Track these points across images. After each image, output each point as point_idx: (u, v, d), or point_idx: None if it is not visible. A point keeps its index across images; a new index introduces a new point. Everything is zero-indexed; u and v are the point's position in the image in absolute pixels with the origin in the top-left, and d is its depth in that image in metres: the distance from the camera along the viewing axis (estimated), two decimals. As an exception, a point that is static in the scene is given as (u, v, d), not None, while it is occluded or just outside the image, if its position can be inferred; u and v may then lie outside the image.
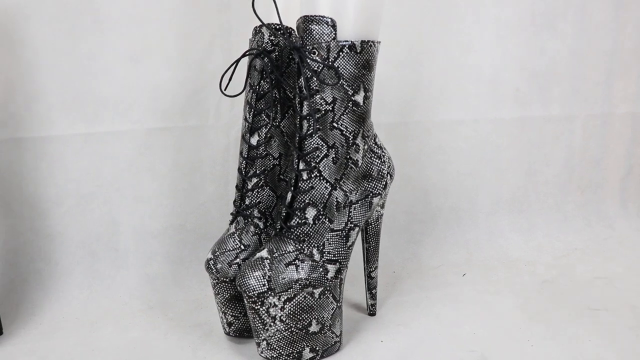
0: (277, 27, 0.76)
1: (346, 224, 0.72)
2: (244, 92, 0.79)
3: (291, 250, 0.70)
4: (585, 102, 1.17)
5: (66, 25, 0.94)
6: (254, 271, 0.69)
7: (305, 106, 0.69)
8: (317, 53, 0.68)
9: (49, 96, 0.95)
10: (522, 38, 1.12)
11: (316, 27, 0.67)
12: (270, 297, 0.68)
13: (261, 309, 0.68)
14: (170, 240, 1.02)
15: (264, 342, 0.70)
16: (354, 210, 0.73)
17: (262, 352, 0.71)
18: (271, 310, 0.68)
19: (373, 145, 0.75)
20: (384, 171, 0.76)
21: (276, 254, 0.70)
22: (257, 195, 0.78)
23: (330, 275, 0.70)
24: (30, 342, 0.81)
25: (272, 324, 0.69)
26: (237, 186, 0.80)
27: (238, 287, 0.69)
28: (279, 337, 0.69)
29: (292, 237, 0.70)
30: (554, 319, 0.82)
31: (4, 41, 0.92)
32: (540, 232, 1.14)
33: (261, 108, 0.77)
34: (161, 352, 0.77)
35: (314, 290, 0.69)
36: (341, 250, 0.71)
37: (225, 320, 0.78)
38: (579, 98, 1.17)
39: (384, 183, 0.76)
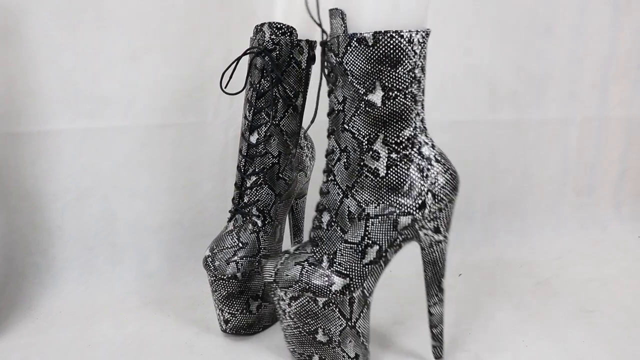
0: (279, 26, 0.76)
1: (362, 239, 0.64)
2: (244, 90, 0.80)
3: (307, 252, 0.68)
4: (582, 105, 1.18)
5: (67, 21, 0.94)
6: (272, 260, 0.69)
7: (328, 104, 0.66)
8: (331, 48, 0.62)
9: (49, 91, 0.95)
10: (520, 41, 1.13)
11: (333, 20, 0.62)
12: (278, 290, 0.67)
13: (274, 298, 0.69)
14: (167, 237, 1.02)
15: (283, 333, 0.71)
16: (372, 225, 0.64)
17: (285, 339, 0.72)
18: (281, 303, 0.68)
19: (415, 154, 0.64)
20: (422, 188, 0.64)
21: (297, 252, 0.69)
22: (255, 193, 0.78)
23: (335, 287, 0.64)
24: (26, 337, 0.81)
25: (284, 316, 0.69)
26: (235, 184, 0.80)
27: (276, 281, 0.68)
28: (290, 333, 0.69)
29: (311, 239, 0.69)
30: (548, 319, 0.83)
31: (5, 35, 0.92)
32: (535, 234, 1.15)
33: (261, 106, 0.77)
34: (157, 348, 0.77)
35: (317, 298, 0.65)
36: (354, 266, 0.64)
37: (222, 318, 0.79)
38: (576, 101, 1.18)
39: (420, 202, 0.64)
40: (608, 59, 1.17)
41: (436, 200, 0.65)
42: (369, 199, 0.64)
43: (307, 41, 0.78)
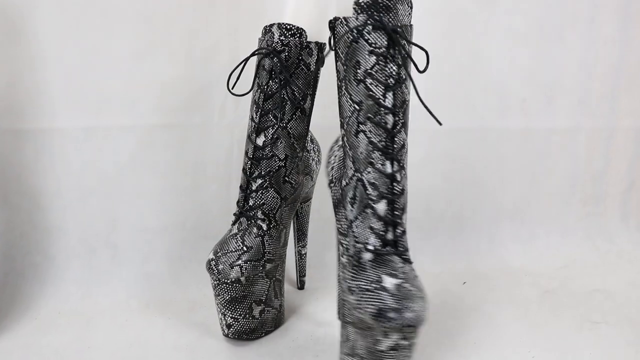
0: (288, 27, 0.75)
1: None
2: (251, 92, 0.79)
3: (402, 265, 0.61)
4: (591, 114, 1.17)
5: (72, 19, 0.93)
6: (414, 300, 0.58)
7: (389, 97, 0.61)
8: (405, 36, 0.59)
9: (53, 88, 0.94)
10: (530, 49, 1.12)
11: (401, 7, 0.59)
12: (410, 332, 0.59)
13: (415, 340, 0.60)
14: (169, 239, 1.01)
15: None
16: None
17: None
18: (402, 346, 0.59)
19: None
20: None
21: (401, 275, 0.60)
22: (261, 197, 0.77)
23: (414, 274, 0.63)
24: (24, 337, 0.80)
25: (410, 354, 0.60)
26: (241, 186, 0.79)
27: (409, 327, 0.57)
28: None
29: (398, 250, 0.61)
30: (555, 330, 0.82)
31: (10, 32, 0.91)
32: (541, 243, 1.14)
33: (268, 108, 0.76)
34: (158, 351, 0.76)
35: None
36: (407, 244, 0.64)
37: (224, 322, 0.77)
38: (585, 110, 1.17)
39: None
40: (618, 68, 1.16)
41: None
42: None
43: (317, 43, 0.77)
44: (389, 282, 0.58)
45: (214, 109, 1.01)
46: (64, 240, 0.97)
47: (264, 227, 0.77)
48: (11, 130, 0.94)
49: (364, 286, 0.59)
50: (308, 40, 0.77)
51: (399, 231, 0.61)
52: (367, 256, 0.62)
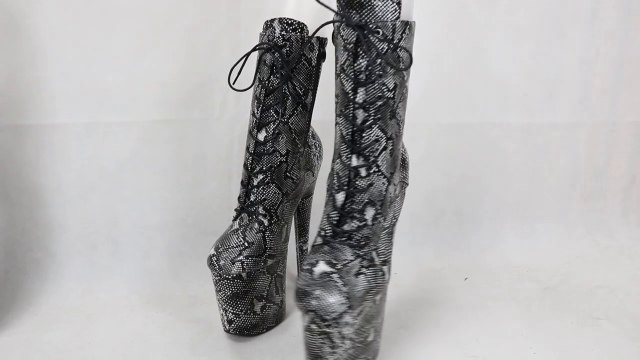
0: (289, 22, 0.75)
1: (392, 220, 0.66)
2: (252, 87, 0.78)
3: (352, 258, 0.62)
4: (592, 110, 1.17)
5: (73, 14, 0.93)
6: (329, 289, 0.59)
7: (360, 93, 0.61)
8: (380, 32, 0.59)
9: (53, 84, 0.94)
10: (531, 44, 1.12)
11: (380, 3, 0.59)
12: (347, 316, 0.59)
13: (334, 332, 0.59)
14: (170, 235, 1.01)
15: None
16: (397, 203, 0.67)
17: None
18: (344, 330, 0.60)
19: None
20: (408, 160, 0.72)
21: (339, 266, 0.61)
22: (262, 192, 0.77)
23: (386, 277, 0.65)
24: (25, 333, 0.80)
25: (341, 344, 0.61)
26: (242, 182, 0.79)
27: (307, 312, 0.59)
28: (344, 357, 0.62)
29: (352, 242, 0.62)
30: (557, 326, 0.82)
31: (10, 28, 0.91)
32: (542, 239, 1.14)
33: (270, 104, 0.76)
34: (159, 347, 0.76)
35: (376, 297, 0.63)
36: (389, 248, 0.66)
37: (225, 318, 0.77)
38: (586, 106, 1.16)
39: (409, 173, 0.72)
40: (619, 64, 1.16)
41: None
42: (397, 179, 0.67)
43: (318, 38, 0.77)
44: (319, 268, 0.61)
45: (215, 104, 1.01)
46: (64, 236, 0.97)
47: (265, 222, 0.77)
48: (12, 126, 0.94)
49: (303, 266, 0.63)
50: (309, 35, 0.77)
51: (354, 225, 0.62)
52: (318, 240, 0.65)
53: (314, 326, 0.60)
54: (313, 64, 0.77)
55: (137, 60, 0.96)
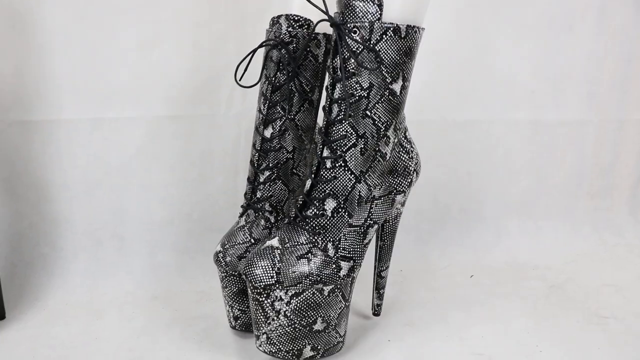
0: (296, 18, 0.75)
1: (366, 220, 0.68)
2: (258, 84, 0.78)
3: (304, 242, 0.66)
4: (600, 107, 1.16)
5: (79, 11, 0.93)
6: (262, 260, 0.65)
7: (337, 89, 0.64)
8: (358, 32, 0.62)
9: (60, 80, 0.94)
10: (539, 40, 1.11)
11: (360, 4, 0.62)
12: (277, 291, 0.64)
13: (266, 302, 0.65)
14: (176, 230, 1.01)
15: (264, 336, 0.67)
16: (376, 206, 0.69)
17: (260, 346, 0.68)
18: (276, 304, 0.65)
19: (403, 139, 0.70)
20: (410, 168, 0.71)
21: (288, 245, 0.66)
22: (269, 189, 0.77)
23: (342, 272, 0.67)
24: (32, 328, 0.80)
25: (275, 318, 0.65)
26: (248, 178, 0.79)
27: (243, 276, 0.66)
28: (280, 332, 0.66)
29: (307, 228, 0.66)
30: (563, 324, 0.81)
31: (16, 24, 0.91)
32: (548, 237, 1.13)
33: (276, 100, 0.76)
34: (165, 343, 0.76)
35: (324, 288, 0.65)
36: (357, 248, 0.68)
37: (231, 314, 0.77)
38: (594, 103, 1.16)
39: (409, 180, 0.72)
40: (628, 60, 1.15)
41: (417, 178, 0.74)
42: (376, 182, 0.68)
43: (325, 34, 0.77)
44: (270, 242, 0.67)
45: (221, 100, 1.01)
46: (71, 231, 0.97)
47: (272, 219, 0.77)
48: (19, 122, 0.94)
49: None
50: (316, 31, 0.76)
51: (312, 212, 0.66)
52: (286, 220, 0.73)
53: (249, 292, 0.66)
54: (320, 60, 0.77)
55: (144, 57, 0.96)
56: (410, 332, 0.79)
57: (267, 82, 0.76)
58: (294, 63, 0.74)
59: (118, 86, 0.96)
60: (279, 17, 0.76)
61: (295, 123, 0.77)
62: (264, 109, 0.76)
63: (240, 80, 0.78)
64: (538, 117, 1.14)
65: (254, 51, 0.77)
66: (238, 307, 0.76)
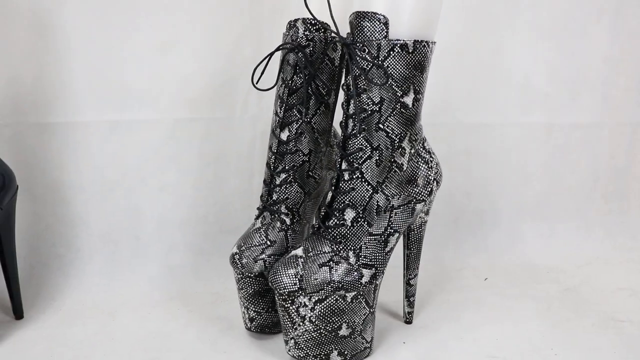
0: (312, 22, 0.75)
1: (386, 229, 0.70)
2: (275, 87, 0.79)
3: (327, 251, 0.69)
4: (615, 110, 1.16)
5: (97, 13, 0.94)
6: (287, 269, 0.68)
7: (351, 105, 0.68)
8: (367, 51, 0.65)
9: (77, 82, 0.95)
10: (554, 43, 1.11)
11: (368, 23, 0.65)
12: (301, 297, 0.67)
13: (291, 308, 0.68)
14: (192, 231, 1.02)
15: (292, 341, 0.69)
16: (396, 215, 0.70)
17: (289, 350, 0.70)
18: (301, 309, 0.67)
19: (421, 149, 0.73)
20: (430, 177, 0.73)
21: (311, 254, 0.69)
22: (285, 191, 0.77)
23: (364, 280, 0.68)
24: (49, 328, 0.81)
25: (301, 323, 0.68)
26: (264, 181, 0.79)
27: (270, 284, 0.69)
28: (307, 338, 0.68)
29: (329, 237, 0.69)
30: (578, 328, 0.81)
31: (36, 26, 0.92)
32: (562, 240, 1.13)
33: (293, 103, 0.76)
34: (180, 343, 0.77)
35: (347, 294, 0.67)
36: (378, 255, 0.69)
37: (247, 316, 0.78)
38: (609, 105, 1.15)
39: (429, 189, 0.73)
40: (644, 63, 1.15)
41: (438, 187, 0.75)
42: (394, 192, 0.70)
43: (341, 38, 0.77)
44: (295, 251, 0.71)
45: (237, 103, 1.02)
46: (87, 232, 0.98)
47: (288, 221, 0.77)
48: (37, 124, 0.95)
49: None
50: (332, 35, 0.77)
51: (333, 222, 0.70)
52: (310, 231, 0.78)
53: (277, 299, 0.69)
54: (336, 64, 0.77)
55: (161, 59, 0.97)
56: (424, 334, 0.79)
57: (283, 85, 0.77)
58: (311, 66, 0.75)
59: (135, 89, 0.97)
60: (295, 20, 0.76)
61: (311, 126, 0.77)
62: (280, 112, 0.77)
63: (257, 83, 0.78)
64: (553, 120, 1.14)
65: (271, 54, 0.78)
66: (254, 309, 0.77)
